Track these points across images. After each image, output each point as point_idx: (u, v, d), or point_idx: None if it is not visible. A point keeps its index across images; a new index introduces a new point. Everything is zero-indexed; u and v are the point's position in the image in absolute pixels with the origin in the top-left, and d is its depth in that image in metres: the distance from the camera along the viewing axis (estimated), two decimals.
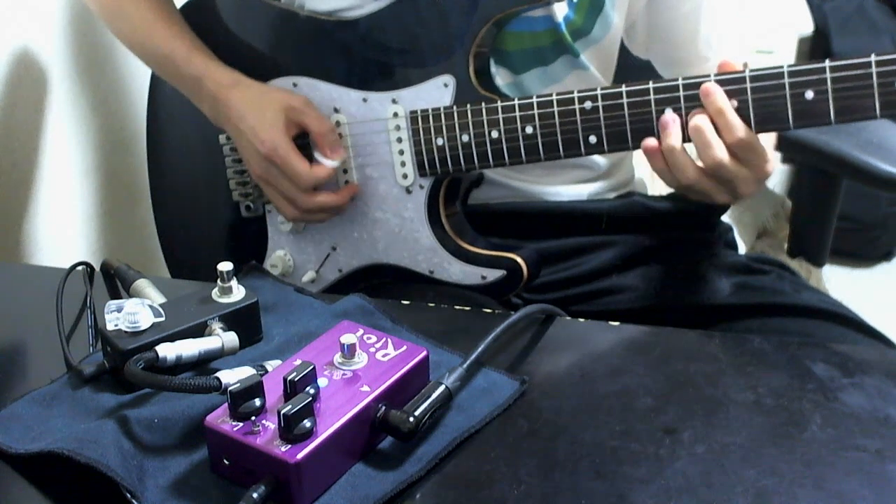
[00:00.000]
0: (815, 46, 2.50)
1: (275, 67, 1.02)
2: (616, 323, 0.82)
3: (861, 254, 2.49)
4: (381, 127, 0.97)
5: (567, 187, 1.08)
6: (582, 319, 0.83)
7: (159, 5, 1.06)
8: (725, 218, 1.16)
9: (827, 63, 0.80)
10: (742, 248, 1.17)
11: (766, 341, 0.78)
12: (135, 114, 1.41)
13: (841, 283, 2.25)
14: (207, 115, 1.02)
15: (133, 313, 0.71)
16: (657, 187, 1.16)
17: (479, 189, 1.03)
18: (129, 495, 0.59)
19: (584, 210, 1.07)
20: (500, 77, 1.00)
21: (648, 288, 1.03)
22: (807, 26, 2.43)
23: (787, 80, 0.82)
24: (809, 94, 0.81)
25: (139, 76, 1.40)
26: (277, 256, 1.05)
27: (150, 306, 0.73)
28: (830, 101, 0.81)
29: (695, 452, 0.64)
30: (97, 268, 0.90)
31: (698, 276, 1.03)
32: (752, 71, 0.83)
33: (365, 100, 0.97)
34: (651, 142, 0.86)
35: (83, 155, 1.32)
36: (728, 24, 1.06)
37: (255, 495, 0.57)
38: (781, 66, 0.82)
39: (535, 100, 0.90)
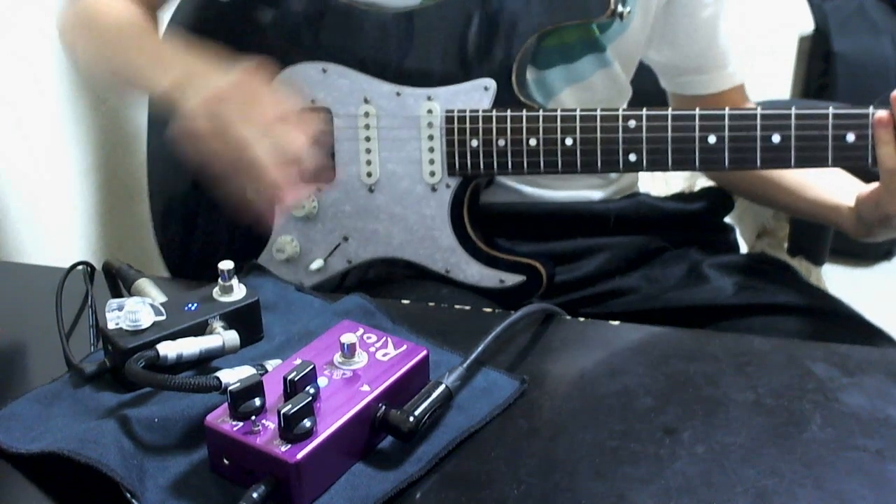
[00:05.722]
0: (815, 46, 2.50)
1: (304, 51, 0.99)
2: (616, 323, 0.82)
3: (861, 253, 2.49)
4: (412, 123, 0.97)
5: (576, 193, 1.08)
6: (582, 319, 0.83)
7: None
8: (726, 218, 1.16)
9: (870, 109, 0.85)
10: (743, 248, 1.17)
11: (766, 341, 0.78)
12: (135, 113, 1.41)
13: (841, 282, 2.24)
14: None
15: (134, 312, 0.71)
16: (659, 189, 1.16)
17: (485, 191, 1.03)
18: (129, 495, 0.59)
19: (589, 211, 1.07)
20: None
21: (651, 289, 1.03)
22: (807, 26, 2.43)
23: (830, 122, 0.85)
24: (851, 137, 0.85)
25: None
26: (284, 241, 1.03)
27: (151, 305, 0.73)
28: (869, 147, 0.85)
29: (695, 452, 0.64)
30: (97, 267, 0.90)
31: (699, 276, 1.03)
32: (797, 108, 0.87)
33: (398, 94, 0.96)
34: (884, 114, 0.84)
35: (83, 155, 1.32)
36: (733, 34, 1.06)
37: (255, 495, 0.57)
38: (828, 109, 0.86)
39: (578, 112, 0.91)
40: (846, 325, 0.96)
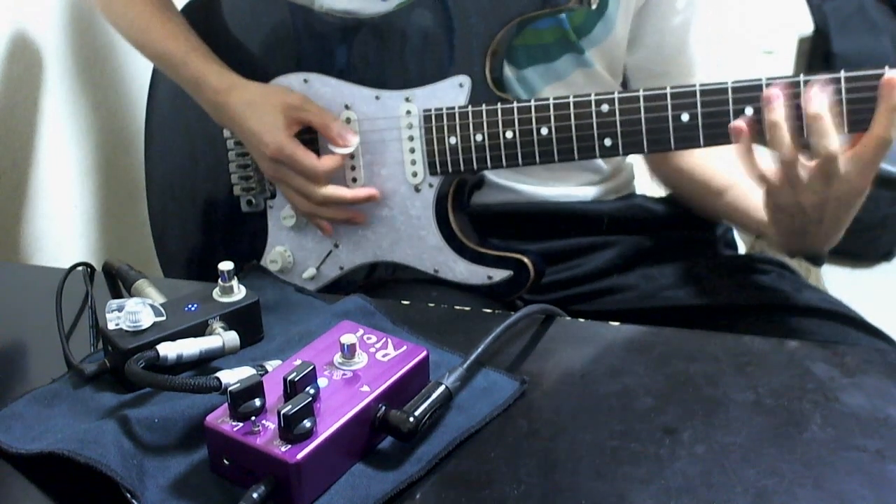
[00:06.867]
0: (815, 46, 2.50)
1: (285, 63, 1.01)
2: (616, 323, 0.82)
3: (861, 254, 2.49)
4: (392, 125, 0.97)
5: (571, 190, 1.08)
6: (582, 319, 0.83)
7: (156, 2, 1.06)
8: None
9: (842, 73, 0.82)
10: (742, 248, 1.17)
11: (765, 341, 0.78)
12: (134, 113, 1.41)
13: (841, 282, 2.25)
14: (211, 116, 1.02)
15: (134, 312, 0.71)
16: (656, 190, 1.16)
17: (480, 192, 1.03)
18: (129, 495, 0.59)
19: (584, 211, 1.07)
20: (504, 71, 1.00)
21: (649, 288, 1.03)
22: (807, 26, 2.43)
23: (802, 89, 0.82)
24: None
25: (139, 76, 1.40)
26: (277, 252, 1.05)
27: (151, 305, 0.73)
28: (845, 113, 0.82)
29: (695, 452, 0.64)
30: (97, 268, 0.90)
31: (698, 276, 1.03)
32: (768, 79, 0.84)
33: (377, 97, 0.97)
34: (740, 123, 0.83)
35: (83, 155, 1.32)
36: (702, 45, 1.06)
37: (255, 495, 0.57)
38: (799, 76, 0.83)
39: (551, 101, 0.91)
40: (846, 325, 0.96)
